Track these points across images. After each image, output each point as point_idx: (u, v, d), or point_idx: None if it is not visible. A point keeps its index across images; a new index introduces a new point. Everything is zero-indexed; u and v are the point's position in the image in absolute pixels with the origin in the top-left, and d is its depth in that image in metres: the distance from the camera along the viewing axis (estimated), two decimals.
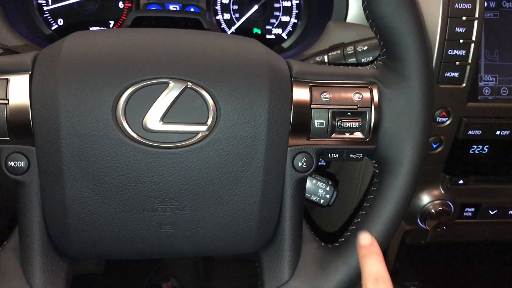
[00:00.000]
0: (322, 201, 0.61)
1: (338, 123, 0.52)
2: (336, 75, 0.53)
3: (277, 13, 0.94)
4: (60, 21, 0.88)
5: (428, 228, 0.84)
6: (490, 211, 0.86)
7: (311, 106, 0.51)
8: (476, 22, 0.69)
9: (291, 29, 0.95)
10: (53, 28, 0.88)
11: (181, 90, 0.46)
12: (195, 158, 0.48)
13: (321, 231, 0.93)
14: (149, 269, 1.56)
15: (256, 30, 0.94)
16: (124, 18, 0.88)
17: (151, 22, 0.72)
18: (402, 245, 0.93)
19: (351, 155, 0.54)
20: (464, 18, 0.69)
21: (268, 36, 0.95)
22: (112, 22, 0.89)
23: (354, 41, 0.67)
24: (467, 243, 1.00)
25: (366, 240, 0.53)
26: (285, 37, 0.95)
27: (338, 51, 0.66)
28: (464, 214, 0.86)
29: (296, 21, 0.95)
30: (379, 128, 0.53)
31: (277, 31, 0.95)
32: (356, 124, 0.52)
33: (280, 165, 0.51)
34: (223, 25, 0.93)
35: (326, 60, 0.66)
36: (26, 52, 0.51)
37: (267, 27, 0.95)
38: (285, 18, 0.95)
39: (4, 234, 0.53)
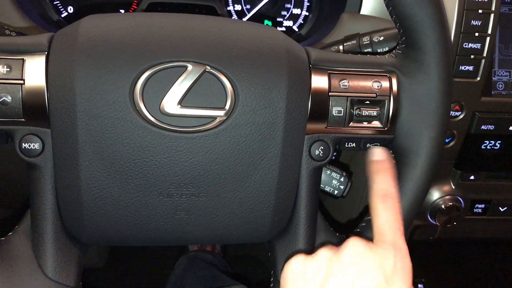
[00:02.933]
0: (336, 192, 0.60)
1: (356, 112, 0.51)
2: (355, 63, 0.52)
3: (288, 5, 0.93)
4: (70, 9, 0.87)
5: (437, 223, 0.83)
6: (500, 208, 0.86)
7: (330, 94, 0.50)
8: (492, 15, 0.69)
9: (302, 22, 0.94)
10: (62, 15, 0.87)
11: (200, 74, 0.46)
12: (212, 143, 0.47)
13: (334, 222, 0.92)
14: (150, 263, 1.55)
15: (266, 22, 0.94)
16: (135, 7, 0.87)
17: (165, 8, 0.71)
18: (410, 241, 0.92)
19: (368, 145, 0.54)
20: (480, 11, 0.68)
21: (278, 29, 0.94)
22: (122, 11, 0.88)
23: (370, 31, 0.66)
24: (476, 240, 1.00)
25: (379, 155, 0.53)
26: (296, 30, 0.94)
27: (354, 41, 0.65)
28: (474, 210, 0.86)
29: (307, 13, 0.94)
30: (397, 117, 0.52)
31: (288, 23, 0.94)
32: (374, 113, 0.52)
33: (297, 153, 0.51)
34: (234, 16, 0.93)
35: (341, 50, 0.66)
36: (34, 34, 0.50)
37: (278, 19, 0.94)
38: (296, 11, 0.94)
39: (16, 217, 0.52)
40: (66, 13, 0.88)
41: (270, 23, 0.94)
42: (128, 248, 1.58)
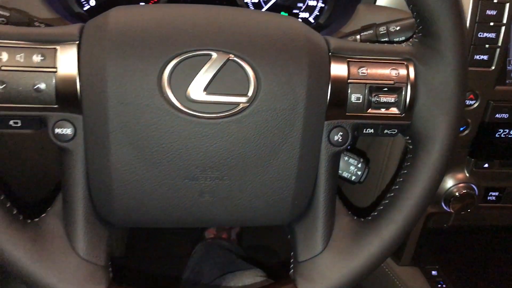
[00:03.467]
0: (353, 177, 0.62)
1: (375, 98, 0.53)
2: (373, 51, 0.54)
3: None
4: (92, 2, 0.90)
5: (452, 211, 0.85)
6: None
7: (349, 81, 0.52)
8: (507, 5, 0.70)
9: (318, 13, 0.96)
10: (84, 8, 0.90)
11: (224, 62, 0.48)
12: (235, 128, 0.49)
13: (352, 206, 0.94)
14: (167, 251, 1.58)
15: (283, 14, 0.95)
16: (156, 0, 0.89)
17: (186, 0, 0.73)
18: (424, 229, 0.94)
19: (386, 131, 0.55)
20: (495, 0, 0.69)
21: None
22: (143, 4, 0.90)
23: (387, 21, 0.67)
24: (490, 228, 1.01)
25: None
26: (312, 21, 0.96)
27: (371, 31, 0.67)
28: (488, 198, 0.87)
29: (323, 5, 0.95)
30: (414, 104, 0.54)
31: (304, 15, 0.96)
32: (392, 100, 0.53)
33: (316, 139, 0.53)
34: (251, 8, 0.94)
35: (358, 39, 0.67)
36: (58, 25, 0.52)
37: (294, 11, 0.96)
38: (312, 2, 0.95)
39: (48, 200, 0.54)
40: (88, 6, 0.90)
41: (286, 15, 0.95)
42: (146, 236, 1.61)
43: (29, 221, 0.51)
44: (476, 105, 0.76)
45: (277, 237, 1.58)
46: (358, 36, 0.67)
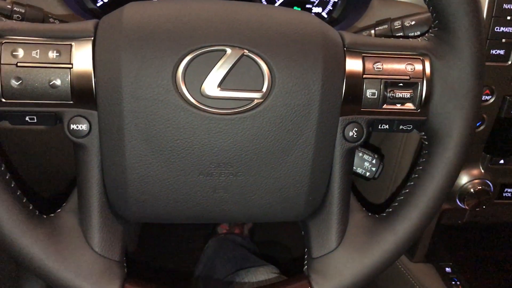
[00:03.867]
0: (367, 173, 0.61)
1: (390, 94, 0.52)
2: (388, 46, 0.54)
3: None
4: None
5: (466, 207, 0.84)
6: None
7: (364, 76, 0.52)
8: None
9: (331, 8, 0.95)
10: (98, 4, 0.90)
11: (238, 58, 0.48)
12: (249, 124, 0.49)
13: (366, 202, 0.93)
14: (180, 246, 1.59)
15: (296, 9, 0.95)
16: None
17: None
18: (438, 225, 0.93)
19: (401, 127, 0.55)
20: None
21: None
22: None
23: (401, 16, 0.67)
24: (505, 224, 1.00)
25: None
26: (325, 16, 0.95)
27: (385, 26, 0.66)
28: (504, 194, 0.86)
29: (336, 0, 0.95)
30: (430, 99, 0.53)
31: (317, 9, 0.95)
32: (407, 95, 0.53)
33: (331, 135, 0.52)
34: (264, 3, 0.94)
35: (373, 34, 0.67)
36: (72, 21, 0.52)
37: (307, 5, 0.95)
38: None
39: (63, 195, 0.55)
40: (101, 2, 0.90)
41: (299, 9, 0.95)
42: (158, 232, 1.61)
43: (44, 216, 0.52)
44: (492, 100, 0.75)
45: (289, 233, 1.58)
46: (372, 31, 0.67)
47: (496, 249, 1.03)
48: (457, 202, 0.85)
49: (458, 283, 0.93)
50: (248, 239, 1.39)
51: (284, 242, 1.62)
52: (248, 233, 1.48)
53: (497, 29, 0.70)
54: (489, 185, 0.83)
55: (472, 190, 0.83)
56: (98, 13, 0.88)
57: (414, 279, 0.94)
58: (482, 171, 0.83)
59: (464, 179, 0.83)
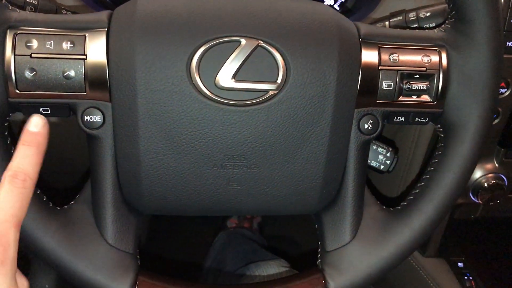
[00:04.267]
0: (382, 167, 0.61)
1: (406, 86, 0.52)
2: (404, 37, 0.53)
3: None
4: None
5: (480, 201, 0.83)
6: None
7: (380, 68, 0.51)
8: None
9: (343, 0, 0.94)
10: None
11: (253, 49, 0.47)
12: (264, 116, 0.48)
13: (380, 195, 0.93)
14: (188, 241, 1.59)
15: None
16: None
17: None
18: (451, 220, 0.92)
19: (416, 119, 0.54)
20: None
21: None
22: None
23: (417, 7, 0.66)
24: None
25: (35, 125, 0.48)
26: (337, 8, 0.94)
27: (400, 17, 0.65)
28: None
29: None
30: (446, 91, 0.52)
31: (329, 1, 0.94)
32: (424, 87, 0.52)
33: (346, 127, 0.52)
34: None
35: (387, 26, 0.66)
36: (84, 13, 0.52)
37: None
38: None
39: (77, 187, 0.55)
40: None
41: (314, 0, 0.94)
42: (167, 225, 1.62)
43: (58, 208, 0.51)
44: (507, 93, 0.74)
45: (298, 227, 1.58)
46: (387, 23, 0.66)
47: (509, 244, 1.02)
48: (470, 197, 0.84)
49: (470, 278, 0.92)
50: (257, 233, 1.39)
51: (293, 236, 1.62)
52: (257, 227, 1.48)
53: None
54: (503, 179, 0.82)
55: (485, 184, 0.82)
56: (109, 5, 0.88)
57: (426, 274, 0.93)
58: (496, 165, 0.82)
59: (477, 173, 0.83)
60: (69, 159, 0.75)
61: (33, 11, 0.60)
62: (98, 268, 0.50)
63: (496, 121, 0.77)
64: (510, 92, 0.74)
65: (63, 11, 0.63)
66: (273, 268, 0.91)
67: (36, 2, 0.61)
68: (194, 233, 1.60)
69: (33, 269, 1.14)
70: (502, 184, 0.82)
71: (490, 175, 0.82)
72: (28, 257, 1.13)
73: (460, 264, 0.95)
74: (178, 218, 1.62)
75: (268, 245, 1.31)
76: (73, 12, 0.65)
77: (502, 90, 0.74)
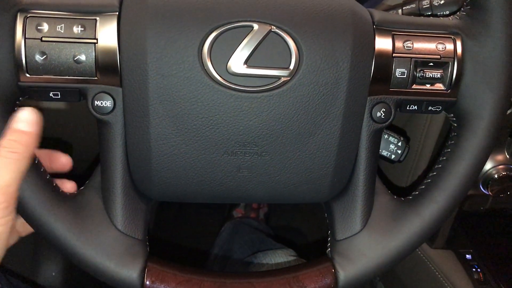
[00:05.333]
0: (393, 156, 0.60)
1: (420, 74, 0.51)
2: (418, 24, 0.52)
3: None
4: None
5: (490, 193, 0.83)
6: None
7: (393, 55, 0.50)
8: None
9: None
10: None
11: (265, 34, 0.46)
12: (276, 103, 0.48)
13: (391, 185, 0.92)
14: (195, 230, 1.59)
15: None
16: None
17: None
18: (460, 211, 0.92)
19: (430, 108, 0.54)
20: None
21: None
22: None
23: None
24: None
25: (25, 121, 0.46)
26: None
27: (413, 5, 0.64)
28: None
29: None
30: (460, 80, 0.52)
31: None
32: (438, 75, 0.51)
33: (358, 115, 0.51)
34: None
35: (400, 13, 0.65)
36: None
37: None
38: None
39: (86, 173, 0.54)
40: None
41: None
42: (173, 215, 1.62)
43: (68, 194, 0.51)
44: None
45: (304, 217, 1.58)
46: (400, 10, 0.65)
47: None
48: (480, 188, 0.83)
49: (478, 270, 0.91)
50: (263, 224, 1.39)
51: (299, 226, 1.61)
52: (263, 218, 1.48)
53: None
54: None
55: (496, 176, 0.81)
56: None
57: (434, 266, 0.93)
58: (508, 156, 0.81)
59: (488, 164, 0.82)
60: (79, 144, 0.75)
61: None
62: (108, 254, 0.50)
63: (509, 111, 0.76)
64: None
65: None
66: (280, 257, 0.91)
67: None
68: (201, 223, 1.60)
69: (40, 256, 1.14)
70: None
71: (500, 166, 0.81)
72: (35, 245, 1.14)
73: (468, 256, 0.94)
74: (184, 208, 1.62)
75: (275, 235, 1.31)
76: None
77: None
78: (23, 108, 0.47)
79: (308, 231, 1.60)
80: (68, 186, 0.52)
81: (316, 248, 1.47)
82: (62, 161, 0.50)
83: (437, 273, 0.92)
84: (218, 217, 1.55)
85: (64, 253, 0.49)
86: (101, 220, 0.51)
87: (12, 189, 0.44)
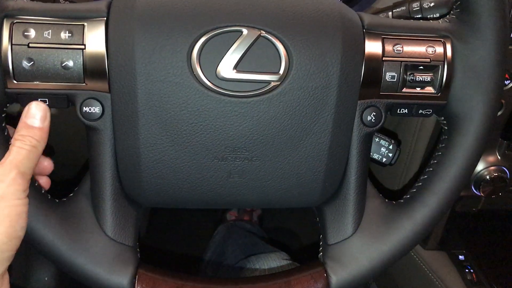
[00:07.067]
0: (384, 159, 0.60)
1: (410, 77, 0.51)
2: (408, 27, 0.52)
3: None
4: None
5: (482, 194, 0.83)
6: None
7: (383, 59, 0.50)
8: None
9: None
10: None
11: (254, 39, 0.46)
12: (266, 108, 0.48)
13: (383, 188, 0.92)
14: (188, 233, 1.59)
15: None
16: None
17: None
18: (452, 213, 0.92)
19: (420, 111, 0.54)
20: None
21: None
22: None
23: None
24: None
25: (35, 116, 0.48)
26: None
27: (403, 8, 0.64)
28: None
29: None
30: (450, 83, 0.52)
31: None
32: (428, 78, 0.51)
33: (349, 119, 0.51)
34: None
35: (390, 16, 0.65)
36: (82, 1, 0.51)
37: None
38: None
39: (76, 179, 0.54)
40: None
41: None
42: (166, 218, 1.61)
43: (57, 201, 0.51)
44: (511, 85, 0.73)
45: (298, 220, 1.58)
46: (390, 13, 0.65)
47: (510, 237, 1.01)
48: (472, 189, 0.83)
49: (471, 270, 0.92)
50: (257, 226, 1.38)
51: (293, 229, 1.61)
52: (257, 220, 1.47)
53: None
54: (506, 172, 0.82)
55: (487, 177, 0.81)
56: None
57: (427, 267, 0.93)
58: (499, 157, 0.82)
59: (480, 165, 0.82)
60: (68, 150, 0.74)
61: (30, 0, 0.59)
62: (98, 261, 0.49)
63: (499, 113, 0.76)
64: None
65: (61, 0, 0.62)
66: (273, 260, 0.90)
67: None
68: (194, 226, 1.59)
69: (32, 261, 1.13)
70: (504, 177, 0.82)
71: (492, 167, 0.82)
72: (27, 250, 1.13)
73: (461, 257, 0.94)
74: (177, 211, 1.61)
75: (268, 238, 1.31)
76: (71, 1, 0.64)
77: (506, 82, 0.73)
78: (33, 103, 0.47)
79: (302, 233, 1.60)
80: (45, 163, 0.52)
81: (310, 250, 1.46)
82: (44, 164, 0.51)
83: (430, 274, 0.92)
84: (211, 219, 1.54)
85: (53, 261, 0.49)
86: (91, 227, 0.51)
87: (29, 176, 0.46)
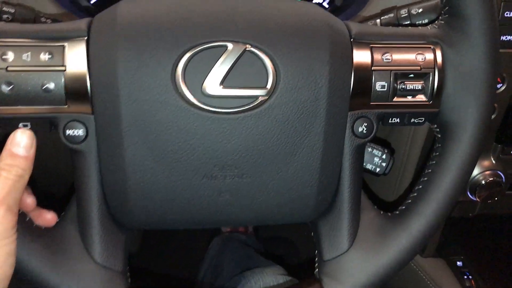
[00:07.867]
0: (378, 169, 0.59)
1: (400, 86, 0.50)
2: (397, 35, 0.51)
3: None
4: None
5: (477, 199, 0.82)
6: None
7: (373, 68, 0.49)
8: None
9: None
10: (92, 1, 0.87)
11: (240, 53, 0.45)
12: (254, 123, 0.46)
13: (377, 199, 0.91)
14: (183, 246, 1.57)
15: None
16: None
17: None
18: (449, 218, 0.91)
19: (412, 120, 0.53)
20: None
21: None
22: None
23: (408, 3, 0.64)
24: None
25: (20, 144, 0.45)
26: (327, 6, 0.92)
27: (391, 15, 0.63)
28: None
29: None
30: (442, 90, 0.51)
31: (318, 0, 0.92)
32: (419, 86, 0.50)
33: (340, 131, 0.50)
34: None
35: (378, 24, 0.64)
36: (65, 20, 0.50)
37: None
38: None
39: (61, 204, 0.52)
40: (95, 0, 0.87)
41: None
42: (160, 232, 1.59)
43: (43, 228, 0.49)
44: (503, 88, 0.72)
45: (294, 230, 1.56)
46: (378, 20, 0.64)
47: (508, 242, 1.01)
48: (468, 195, 0.82)
49: (470, 277, 0.90)
50: (253, 237, 1.37)
51: (290, 239, 1.60)
52: (252, 231, 1.46)
53: (507, 14, 0.67)
54: (501, 176, 0.81)
55: (483, 182, 0.80)
56: (93, 11, 0.86)
57: (425, 275, 0.92)
58: (493, 162, 0.81)
59: (475, 170, 0.81)
60: (52, 175, 0.72)
61: (9, 20, 0.58)
62: None
63: (493, 117, 0.75)
64: (506, 87, 0.73)
65: (42, 19, 0.61)
66: (269, 275, 0.89)
67: (13, 11, 0.58)
68: (188, 238, 1.57)
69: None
70: (500, 181, 0.81)
71: (487, 172, 0.81)
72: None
73: (459, 263, 0.93)
74: None
75: (264, 249, 1.29)
76: (54, 20, 0.63)
77: (498, 86, 0.73)
78: (19, 130, 0.45)
79: (298, 243, 1.58)
80: (48, 217, 0.50)
81: (306, 262, 1.45)
82: (27, 202, 0.48)
83: (428, 282, 0.91)
84: (206, 231, 1.53)
85: None
86: (78, 253, 0.49)
87: (16, 210, 0.44)
